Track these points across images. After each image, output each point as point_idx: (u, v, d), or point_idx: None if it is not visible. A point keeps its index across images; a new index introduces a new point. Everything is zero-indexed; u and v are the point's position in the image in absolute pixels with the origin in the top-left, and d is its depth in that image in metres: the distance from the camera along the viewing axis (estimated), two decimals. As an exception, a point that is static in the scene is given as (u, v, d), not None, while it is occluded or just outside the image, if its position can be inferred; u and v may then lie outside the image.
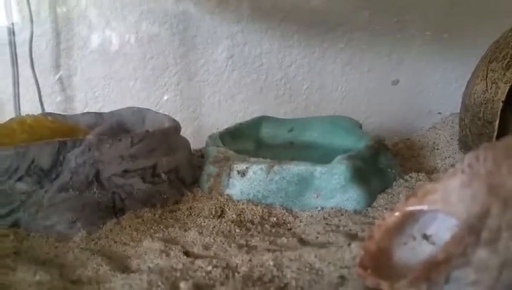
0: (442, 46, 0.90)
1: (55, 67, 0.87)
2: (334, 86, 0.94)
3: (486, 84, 0.51)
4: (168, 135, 0.47)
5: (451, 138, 0.63)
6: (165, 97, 0.89)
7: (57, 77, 0.87)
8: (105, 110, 0.89)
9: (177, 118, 0.89)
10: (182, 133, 0.91)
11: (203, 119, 0.92)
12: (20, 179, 0.39)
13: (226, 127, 0.89)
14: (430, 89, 0.93)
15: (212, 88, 0.90)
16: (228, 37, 0.87)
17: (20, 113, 0.85)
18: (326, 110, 0.94)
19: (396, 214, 0.29)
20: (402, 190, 0.47)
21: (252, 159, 0.47)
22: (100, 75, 0.87)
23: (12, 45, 0.82)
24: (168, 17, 0.85)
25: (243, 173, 0.45)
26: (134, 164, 0.43)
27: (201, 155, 0.61)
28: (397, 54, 0.93)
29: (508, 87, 0.48)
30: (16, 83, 0.83)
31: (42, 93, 0.85)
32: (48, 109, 0.85)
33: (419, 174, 0.52)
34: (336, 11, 0.89)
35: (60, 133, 0.49)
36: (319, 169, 0.44)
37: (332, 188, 0.44)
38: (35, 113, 0.75)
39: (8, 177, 0.38)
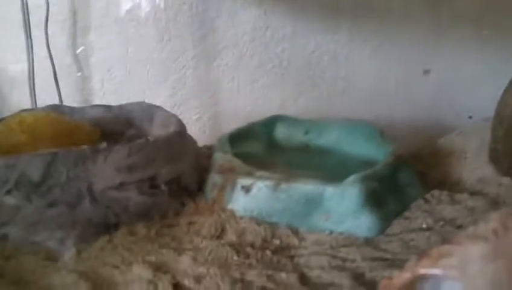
0: (480, 40, 0.82)
1: (72, 47, 0.85)
2: (360, 74, 0.88)
3: (527, 95, 0.45)
4: (171, 143, 0.44)
5: (482, 147, 0.58)
6: (183, 81, 0.87)
7: (79, 51, 0.85)
8: (121, 92, 0.87)
9: (194, 104, 0.87)
10: (198, 120, 0.89)
11: (222, 105, 0.89)
12: (8, 192, 0.37)
13: (245, 114, 0.87)
14: (464, 84, 0.86)
15: (232, 73, 0.86)
16: (249, 20, 0.82)
17: (35, 93, 0.84)
18: (351, 100, 0.89)
19: (406, 275, 0.26)
20: (421, 214, 0.43)
21: (258, 174, 0.43)
22: (117, 57, 0.85)
23: (27, 24, 0.80)
24: (186, -4, 0.81)
25: (247, 189, 0.42)
26: (131, 175, 0.40)
27: (211, 154, 0.58)
28: (431, 43, 0.85)
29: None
30: (30, 62, 0.82)
31: (58, 73, 0.83)
32: (64, 89, 0.84)
33: (442, 193, 0.47)
34: (365, -4, 0.82)
35: (61, 133, 0.47)
36: (329, 190, 0.40)
37: (343, 212, 0.40)
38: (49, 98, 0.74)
39: (-3, 190, 0.37)
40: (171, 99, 0.87)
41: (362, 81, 0.88)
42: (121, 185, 0.40)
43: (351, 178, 0.41)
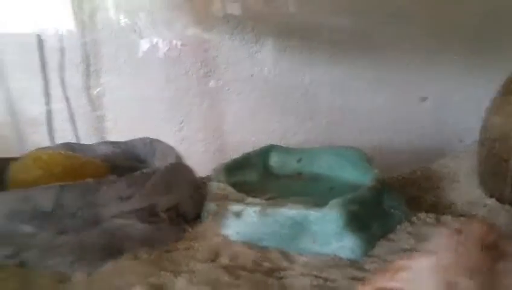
0: (473, 65, 0.85)
1: (86, 88, 0.91)
2: (358, 104, 0.92)
3: (503, 118, 0.48)
4: (167, 174, 0.48)
5: (472, 170, 0.60)
6: (189, 117, 0.91)
7: (96, 91, 0.90)
8: (133, 129, 0.92)
9: (200, 137, 0.91)
10: (205, 152, 0.93)
11: (226, 137, 0.93)
12: (24, 221, 0.41)
13: (249, 145, 0.90)
14: (459, 109, 0.89)
15: (234, 107, 0.91)
16: (248, 56, 0.87)
17: (52, 133, 0.90)
18: (349, 129, 0.92)
19: (367, 288, 0.28)
20: (404, 236, 0.45)
21: (248, 200, 0.47)
22: (127, 96, 0.90)
23: (44, 67, 0.87)
24: (188, 39, 0.86)
25: (237, 215, 0.46)
26: (131, 205, 0.44)
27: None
28: (425, 71, 0.88)
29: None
30: (48, 103, 0.88)
31: (75, 113, 0.89)
32: (80, 128, 0.90)
33: (428, 215, 0.49)
34: (361, 27, 0.86)
35: (73, 169, 0.52)
36: (312, 214, 0.43)
37: (328, 234, 0.43)
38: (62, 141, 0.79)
39: (13, 220, 0.41)
40: (179, 134, 0.92)
41: (360, 111, 0.92)
42: (123, 214, 0.44)
43: (333, 202, 0.44)
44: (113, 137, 0.91)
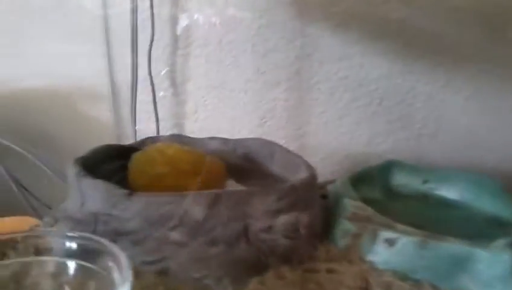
0: None
1: (171, 72, 0.89)
2: (453, 119, 0.87)
3: None
4: (309, 187, 0.45)
5: None
6: (272, 112, 0.88)
7: (163, 72, 0.88)
8: (212, 119, 0.90)
9: (281, 134, 0.88)
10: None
11: (308, 138, 0.90)
12: (173, 228, 0.39)
13: (330, 148, 0.87)
14: None
15: (321, 107, 0.87)
16: (345, 57, 0.84)
17: (135, 112, 0.88)
18: (441, 144, 0.88)
19: None
20: None
21: (400, 227, 0.44)
22: (213, 84, 0.88)
23: (134, 49, 0.85)
24: (285, 32, 0.83)
25: (391, 242, 0.42)
26: (279, 219, 0.41)
27: (322, 194, 0.58)
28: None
29: None
30: (134, 82, 0.86)
31: (157, 95, 0.87)
32: (160, 111, 0.88)
33: None
34: (466, 40, 0.81)
35: (198, 168, 0.49)
36: (480, 253, 0.40)
37: (493, 276, 0.39)
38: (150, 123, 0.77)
39: (162, 225, 0.38)
40: (260, 128, 0.89)
41: (454, 126, 0.87)
42: (270, 228, 0.41)
43: (502, 242, 0.40)
44: (190, 124, 0.89)
